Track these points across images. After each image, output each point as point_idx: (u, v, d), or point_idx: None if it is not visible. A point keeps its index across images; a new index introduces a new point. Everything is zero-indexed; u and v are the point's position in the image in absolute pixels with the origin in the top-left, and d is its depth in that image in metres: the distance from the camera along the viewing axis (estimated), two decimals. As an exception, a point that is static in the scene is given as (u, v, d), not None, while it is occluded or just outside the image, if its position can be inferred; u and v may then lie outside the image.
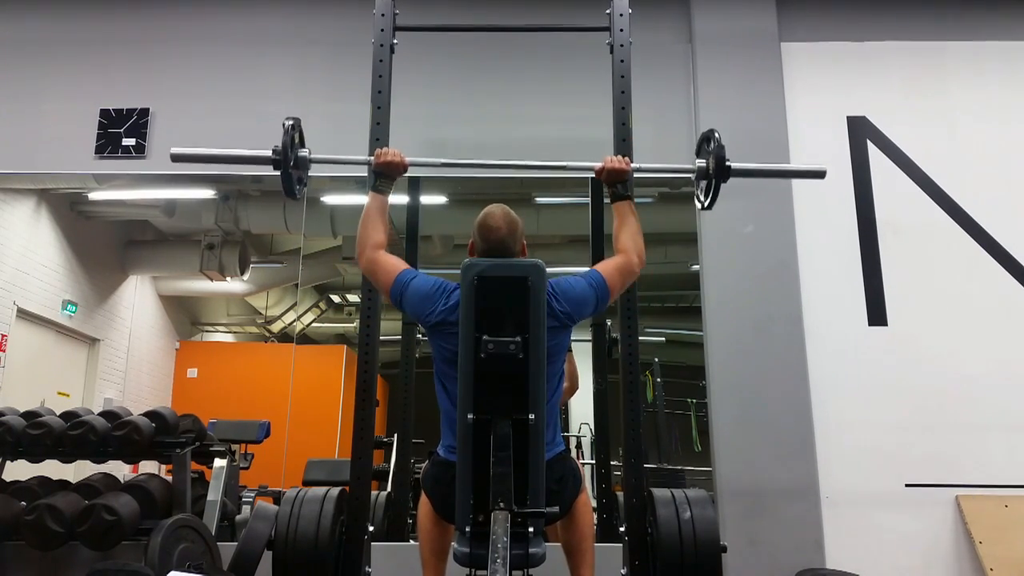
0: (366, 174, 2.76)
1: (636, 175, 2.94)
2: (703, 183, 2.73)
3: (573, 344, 4.34)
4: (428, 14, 3.93)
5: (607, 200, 2.74)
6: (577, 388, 4.41)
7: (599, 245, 4.63)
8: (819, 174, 2.84)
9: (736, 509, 3.92)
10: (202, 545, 3.26)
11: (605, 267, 2.53)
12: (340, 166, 4.54)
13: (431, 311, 2.39)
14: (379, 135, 2.99)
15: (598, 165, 2.65)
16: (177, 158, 2.66)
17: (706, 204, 2.74)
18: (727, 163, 2.61)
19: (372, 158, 2.63)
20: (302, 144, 2.67)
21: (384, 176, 2.60)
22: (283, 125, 2.58)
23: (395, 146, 3.03)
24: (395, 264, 2.50)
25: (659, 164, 2.91)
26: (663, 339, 6.85)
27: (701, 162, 2.71)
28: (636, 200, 2.90)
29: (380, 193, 2.60)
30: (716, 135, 2.65)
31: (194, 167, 4.73)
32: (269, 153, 2.56)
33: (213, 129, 4.61)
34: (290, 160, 2.56)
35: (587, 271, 2.53)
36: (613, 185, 2.64)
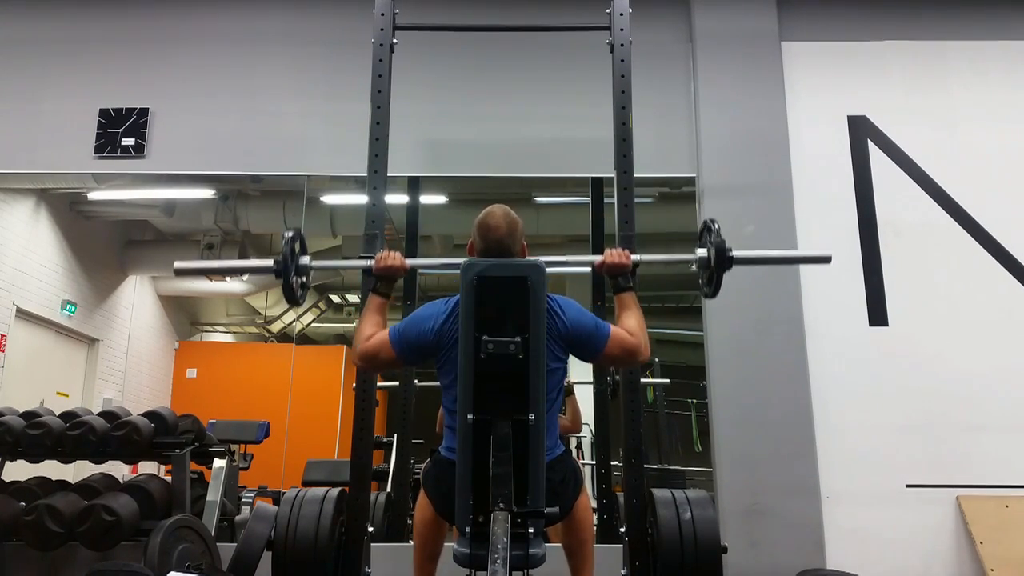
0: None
1: (636, 174, 2.95)
2: (705, 273, 2.65)
3: (576, 386, 4.37)
4: (428, 14, 3.93)
5: (606, 272, 2.64)
6: (579, 429, 4.44)
7: (599, 245, 4.63)
8: (824, 259, 2.75)
9: (737, 510, 3.92)
10: (201, 545, 3.26)
11: (617, 330, 2.44)
12: (340, 169, 4.58)
13: (431, 326, 2.38)
14: (379, 135, 2.99)
15: (599, 259, 2.60)
16: (180, 272, 2.67)
17: (709, 293, 2.65)
18: (729, 253, 2.55)
19: (372, 263, 2.58)
20: (303, 251, 2.63)
21: (385, 279, 2.57)
22: (283, 237, 2.55)
23: (395, 146, 3.04)
24: (382, 332, 2.45)
25: (661, 257, 2.85)
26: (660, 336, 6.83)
27: (702, 252, 2.62)
28: (636, 201, 2.91)
29: (380, 296, 2.56)
30: (716, 225, 2.58)
31: (194, 166, 4.75)
32: (271, 263, 2.52)
33: (213, 129, 4.61)
34: (291, 270, 2.53)
35: (598, 318, 2.47)
36: (614, 277, 2.59)
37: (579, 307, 2.46)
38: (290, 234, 2.55)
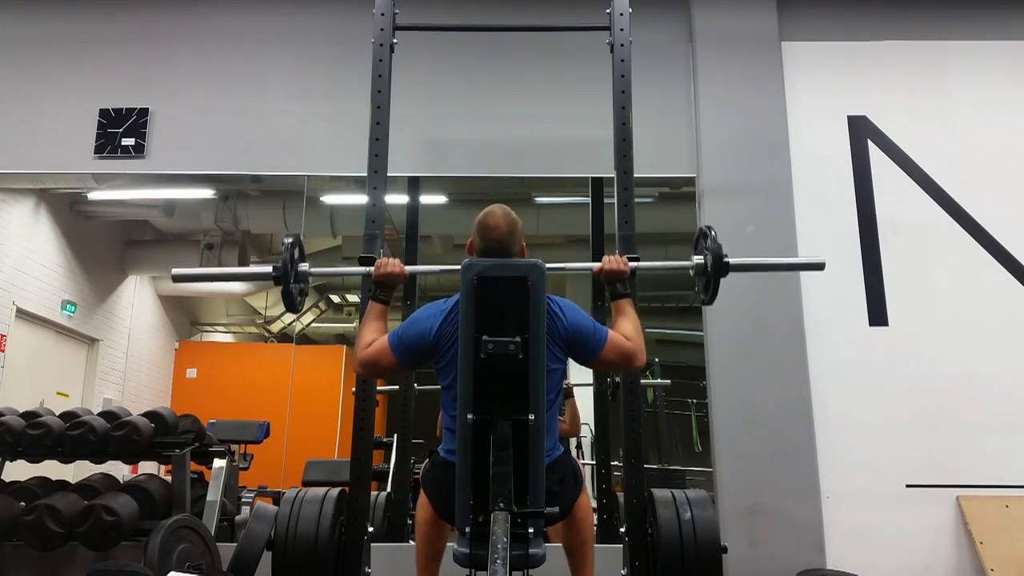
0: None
1: (636, 174, 2.95)
2: (702, 280, 2.66)
3: (576, 389, 4.37)
4: (428, 14, 3.93)
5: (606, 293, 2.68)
6: (578, 432, 4.44)
7: (599, 245, 4.63)
8: (819, 266, 2.78)
9: (737, 510, 3.92)
10: (201, 545, 3.26)
11: (614, 334, 2.46)
12: (339, 170, 4.58)
13: (429, 327, 2.38)
14: (379, 135, 2.99)
15: (597, 266, 2.62)
16: (178, 279, 2.68)
17: (706, 300, 2.66)
18: (725, 259, 2.55)
19: (372, 269, 2.58)
20: (302, 258, 2.63)
21: (384, 285, 2.58)
22: (282, 243, 2.54)
23: (395, 146, 3.04)
24: (382, 339, 2.45)
25: (659, 263, 2.87)
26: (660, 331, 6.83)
27: (699, 259, 2.64)
28: (636, 201, 2.91)
29: (380, 303, 2.57)
30: (712, 232, 2.60)
31: (194, 166, 4.75)
32: (270, 270, 2.52)
33: (212, 129, 4.61)
34: (290, 276, 2.53)
35: (596, 322, 2.48)
36: (612, 284, 2.61)
37: (578, 309, 2.47)
38: (289, 240, 2.55)
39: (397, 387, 4.83)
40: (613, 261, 2.60)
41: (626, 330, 2.47)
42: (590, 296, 4.50)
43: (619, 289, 2.59)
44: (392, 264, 2.56)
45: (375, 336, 2.47)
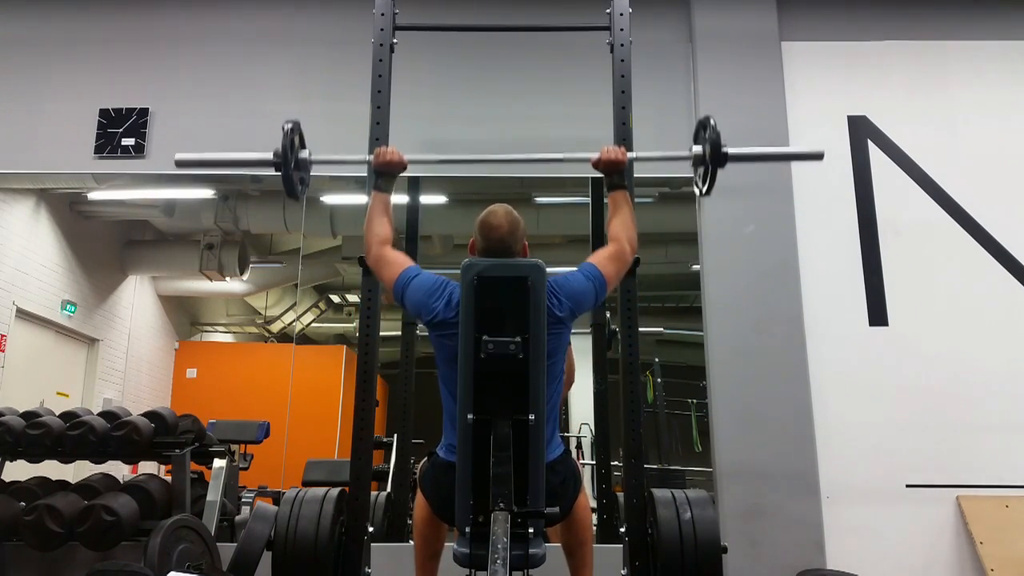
0: (366, 174, 2.76)
1: (636, 174, 2.95)
2: (700, 169, 2.74)
3: (572, 337, 4.35)
4: (428, 13, 3.92)
5: (607, 201, 2.73)
6: (573, 381, 4.41)
7: (599, 245, 4.61)
8: (816, 156, 2.86)
9: (737, 510, 3.92)
10: (201, 545, 3.26)
11: (597, 258, 2.53)
12: (340, 166, 4.57)
13: (432, 311, 2.38)
14: (379, 135, 2.99)
15: (595, 156, 2.68)
16: (181, 164, 2.72)
17: (704, 191, 2.75)
18: (723, 148, 2.62)
19: (372, 157, 2.65)
20: (302, 146, 2.69)
21: (385, 175, 2.63)
22: (282, 128, 2.60)
23: (395, 146, 3.04)
24: (401, 260, 2.51)
25: (656, 153, 2.93)
26: (660, 329, 6.82)
27: (698, 148, 2.72)
28: (636, 201, 2.91)
29: (382, 191, 2.62)
30: (712, 122, 2.66)
31: (193, 166, 4.74)
32: (270, 156, 2.57)
33: (212, 129, 4.61)
34: (291, 162, 2.58)
35: (581, 265, 2.53)
36: (610, 175, 2.67)
37: (567, 276, 2.47)
38: (289, 126, 2.61)
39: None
40: (611, 151, 2.67)
41: (614, 230, 2.58)
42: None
43: (616, 180, 2.67)
44: (391, 152, 2.63)
45: (385, 232, 2.53)
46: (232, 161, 2.77)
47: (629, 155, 2.68)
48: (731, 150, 2.65)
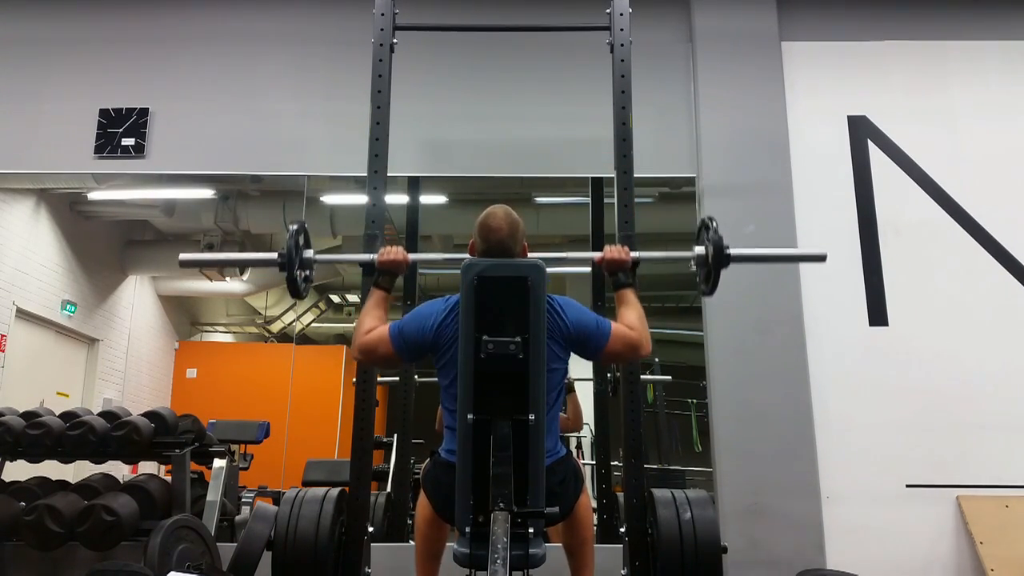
0: (364, 264, 2.73)
1: (636, 174, 2.95)
2: (703, 271, 2.65)
3: (577, 384, 4.37)
4: (428, 13, 3.93)
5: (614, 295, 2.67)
6: (580, 428, 4.44)
7: (599, 245, 4.60)
8: (820, 258, 2.76)
9: (737, 510, 3.92)
10: (201, 545, 3.25)
11: (618, 326, 2.45)
12: (340, 168, 4.58)
13: (430, 324, 2.38)
14: (379, 135, 2.99)
15: (598, 255, 2.63)
16: (185, 264, 2.71)
17: (707, 291, 2.65)
18: (726, 250, 2.55)
19: (376, 256, 2.61)
20: (307, 245, 2.65)
21: (387, 273, 2.60)
22: (287, 229, 2.57)
23: (395, 146, 3.04)
24: (382, 328, 2.45)
25: (660, 253, 2.86)
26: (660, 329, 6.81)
27: (700, 249, 2.64)
28: (636, 201, 2.91)
29: (382, 289, 2.58)
30: (714, 223, 2.59)
31: (194, 166, 4.75)
32: (275, 256, 2.55)
33: (212, 129, 4.61)
34: (295, 263, 2.55)
35: (599, 316, 2.48)
36: (614, 274, 2.61)
37: (579, 306, 2.46)
38: (295, 227, 2.58)
39: (397, 379, 4.82)
40: (614, 251, 2.61)
41: (630, 319, 2.47)
42: (590, 296, 4.49)
43: (621, 279, 2.60)
44: (395, 251, 2.59)
45: (375, 324, 2.47)
46: (237, 260, 2.75)
47: (633, 255, 2.61)
48: (734, 251, 2.55)
